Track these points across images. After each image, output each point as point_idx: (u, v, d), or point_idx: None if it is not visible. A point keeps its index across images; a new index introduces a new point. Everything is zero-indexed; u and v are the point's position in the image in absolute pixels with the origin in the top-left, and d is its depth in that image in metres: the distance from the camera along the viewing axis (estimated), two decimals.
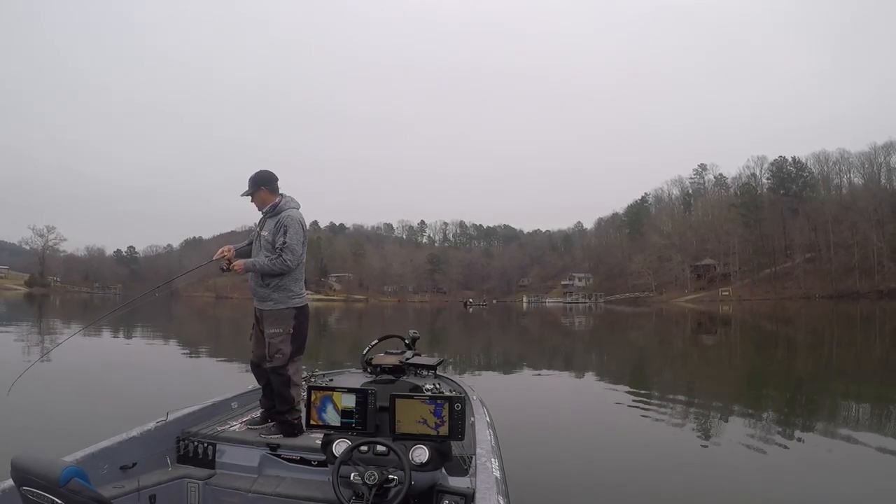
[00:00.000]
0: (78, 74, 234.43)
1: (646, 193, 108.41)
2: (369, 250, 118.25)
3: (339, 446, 2.33)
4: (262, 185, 3.38)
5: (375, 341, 4.75)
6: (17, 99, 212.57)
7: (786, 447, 5.73)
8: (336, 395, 2.39)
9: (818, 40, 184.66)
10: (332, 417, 2.38)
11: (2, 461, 1.69)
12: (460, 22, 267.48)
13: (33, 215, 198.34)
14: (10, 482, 1.68)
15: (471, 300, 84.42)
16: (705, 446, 5.90)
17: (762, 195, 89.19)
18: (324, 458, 2.46)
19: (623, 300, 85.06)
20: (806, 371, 12.65)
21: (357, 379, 3.77)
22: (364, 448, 2.24)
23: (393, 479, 2.13)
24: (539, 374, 11.84)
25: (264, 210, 3.41)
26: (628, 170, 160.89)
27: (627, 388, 9.57)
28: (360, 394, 2.38)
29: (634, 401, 8.21)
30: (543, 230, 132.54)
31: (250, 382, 3.58)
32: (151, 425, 2.86)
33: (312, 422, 2.41)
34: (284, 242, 3.24)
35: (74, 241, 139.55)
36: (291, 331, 3.28)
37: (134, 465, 2.63)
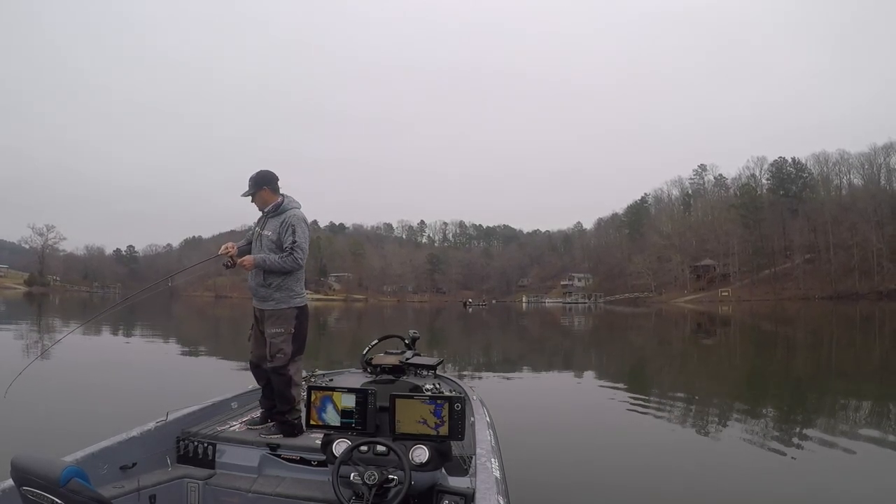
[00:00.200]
0: (78, 74, 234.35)
1: (645, 194, 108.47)
2: (369, 250, 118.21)
3: (339, 446, 2.33)
4: (264, 185, 3.38)
5: (375, 341, 4.75)
6: (17, 99, 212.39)
7: (785, 447, 5.73)
8: (336, 395, 2.39)
9: (818, 40, 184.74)
10: (332, 417, 2.39)
11: (2, 461, 1.69)
12: (460, 22, 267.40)
13: (33, 215, 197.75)
14: (10, 482, 1.68)
15: (470, 300, 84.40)
16: (705, 446, 5.91)
17: (762, 196, 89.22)
18: (324, 458, 2.46)
19: (622, 300, 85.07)
20: (805, 371, 12.66)
21: (357, 379, 3.77)
22: (364, 448, 2.24)
23: (393, 479, 2.13)
24: (539, 375, 11.85)
25: (266, 210, 3.40)
26: (628, 170, 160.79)
27: (627, 389, 9.57)
28: (360, 394, 2.38)
29: (634, 401, 8.21)
30: (543, 230, 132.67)
31: (250, 382, 3.58)
32: (151, 425, 2.86)
33: (312, 422, 2.41)
34: (294, 241, 3.26)
35: (74, 241, 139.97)
36: (293, 330, 3.29)
37: (134, 465, 2.63)
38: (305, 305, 3.41)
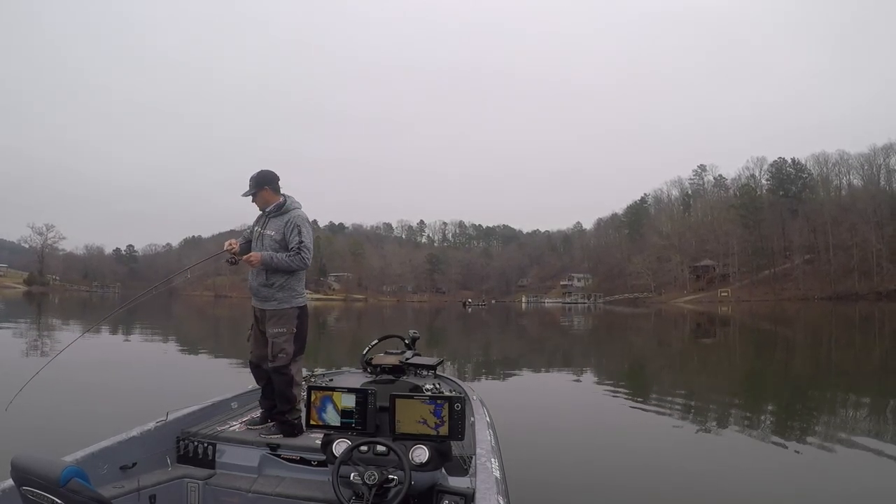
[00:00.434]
0: (78, 74, 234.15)
1: (645, 194, 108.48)
2: (368, 250, 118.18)
3: (339, 446, 2.33)
4: (265, 185, 3.38)
5: (375, 341, 4.75)
6: (17, 99, 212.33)
7: (785, 447, 5.73)
8: (336, 395, 2.39)
9: (818, 40, 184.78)
10: (332, 417, 2.39)
11: (2, 461, 1.69)
12: (460, 22, 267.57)
13: (33, 214, 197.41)
14: (10, 482, 1.68)
15: (470, 300, 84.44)
16: (705, 446, 5.91)
17: (761, 196, 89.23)
18: (324, 458, 2.46)
19: (622, 301, 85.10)
20: (804, 372, 12.66)
21: (357, 379, 3.77)
22: (364, 448, 2.24)
23: (393, 479, 2.13)
24: (539, 374, 11.85)
25: (267, 210, 3.40)
26: (628, 170, 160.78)
27: (627, 389, 9.58)
28: (360, 394, 2.38)
29: (634, 401, 8.22)
30: (543, 230, 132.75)
31: (250, 382, 3.58)
32: (151, 425, 2.86)
33: (312, 422, 2.41)
34: (301, 241, 3.27)
35: (74, 240, 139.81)
36: (295, 330, 3.30)
37: (134, 465, 2.63)
38: (306, 305, 3.42)
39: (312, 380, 3.77)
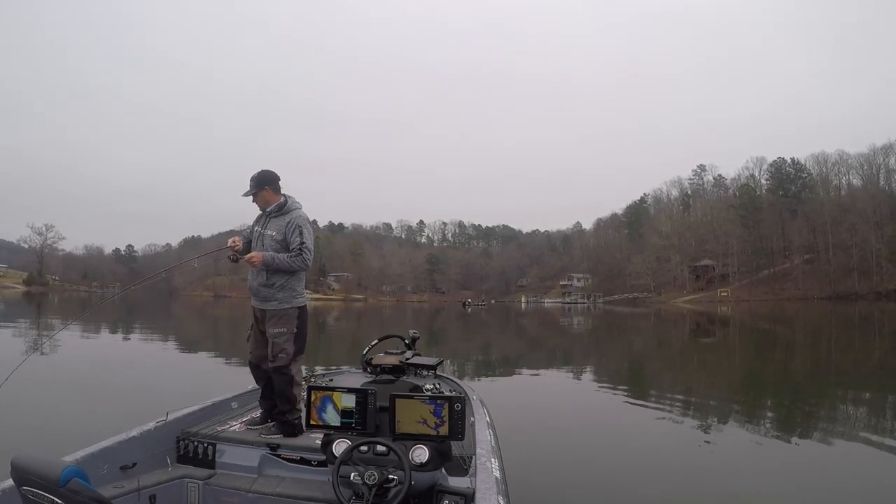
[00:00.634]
0: (78, 74, 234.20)
1: (645, 194, 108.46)
2: (368, 250, 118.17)
3: (339, 446, 2.33)
4: (266, 185, 3.38)
5: (375, 341, 4.75)
6: (17, 99, 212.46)
7: (784, 447, 5.74)
8: (336, 395, 2.39)
9: (818, 40, 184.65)
10: (332, 417, 2.39)
11: (2, 461, 1.69)
12: (460, 22, 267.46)
13: (33, 214, 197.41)
14: (10, 482, 1.68)
15: (469, 300, 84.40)
16: (704, 447, 5.90)
17: (761, 196, 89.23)
18: (324, 458, 2.46)
19: (622, 301, 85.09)
20: (804, 372, 12.67)
21: (357, 379, 3.77)
22: (364, 448, 2.24)
23: (393, 479, 2.13)
24: (539, 375, 11.85)
25: (268, 210, 3.40)
26: (628, 170, 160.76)
27: (627, 389, 9.59)
28: (360, 394, 2.38)
29: (634, 401, 8.22)
30: (542, 230, 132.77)
31: (250, 382, 3.58)
32: (151, 425, 2.86)
33: (312, 422, 2.41)
34: (302, 242, 3.28)
35: (73, 240, 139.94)
36: (295, 330, 3.30)
37: (134, 465, 2.63)
38: (306, 305, 3.43)
39: (312, 380, 3.76)
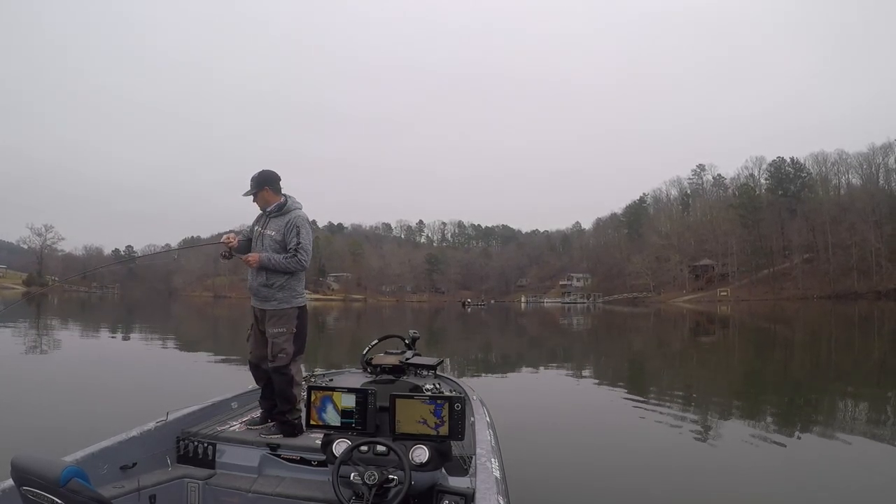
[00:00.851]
0: (78, 74, 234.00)
1: (644, 194, 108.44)
2: (368, 250, 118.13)
3: (339, 446, 2.33)
4: (266, 185, 3.38)
5: (375, 341, 4.75)
6: (17, 99, 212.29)
7: (784, 447, 5.74)
8: (336, 395, 2.39)
9: (818, 40, 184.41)
10: (332, 417, 2.39)
11: (2, 461, 1.69)
12: (460, 22, 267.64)
13: (32, 215, 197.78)
14: (10, 482, 1.68)
15: (469, 300, 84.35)
16: (704, 447, 5.91)
17: (760, 196, 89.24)
18: (324, 458, 2.46)
19: (621, 300, 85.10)
20: (804, 372, 12.67)
21: (357, 379, 3.77)
22: (364, 448, 2.24)
23: (393, 479, 2.13)
24: (538, 374, 11.85)
25: (268, 210, 3.40)
26: (628, 170, 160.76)
27: (626, 388, 9.59)
28: (360, 394, 2.38)
29: (634, 401, 8.22)
30: (542, 230, 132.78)
31: (250, 382, 3.58)
32: (151, 425, 2.86)
33: (312, 422, 2.41)
34: (299, 243, 3.28)
35: (73, 241, 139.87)
36: (295, 330, 3.30)
37: (134, 465, 2.63)
38: (305, 305, 3.43)
39: (312, 380, 3.77)
